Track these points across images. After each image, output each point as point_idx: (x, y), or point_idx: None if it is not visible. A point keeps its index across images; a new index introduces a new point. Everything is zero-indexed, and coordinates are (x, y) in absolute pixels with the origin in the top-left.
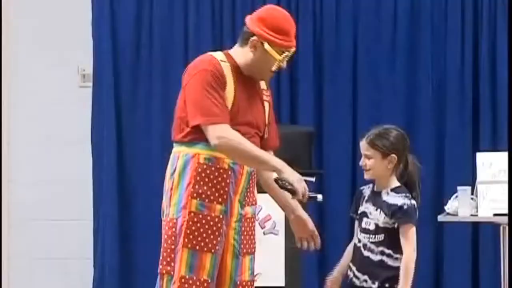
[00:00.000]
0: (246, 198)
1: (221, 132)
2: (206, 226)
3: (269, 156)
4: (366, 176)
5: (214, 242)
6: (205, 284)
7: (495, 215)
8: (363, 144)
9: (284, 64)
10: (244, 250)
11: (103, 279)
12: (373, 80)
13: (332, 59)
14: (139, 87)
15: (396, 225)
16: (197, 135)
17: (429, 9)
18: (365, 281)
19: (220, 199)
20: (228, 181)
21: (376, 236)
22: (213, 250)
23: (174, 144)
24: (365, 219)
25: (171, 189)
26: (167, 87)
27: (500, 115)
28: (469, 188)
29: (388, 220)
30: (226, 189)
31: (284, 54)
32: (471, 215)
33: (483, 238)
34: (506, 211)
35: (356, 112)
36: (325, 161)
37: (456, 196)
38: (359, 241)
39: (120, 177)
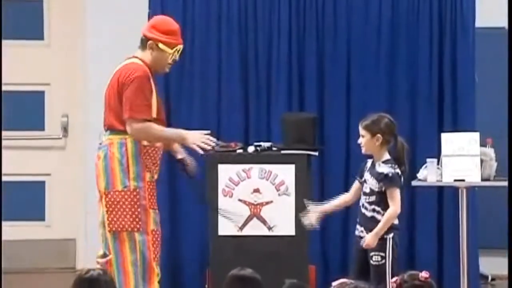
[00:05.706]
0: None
1: (137, 126)
2: (154, 191)
3: (172, 133)
4: (362, 151)
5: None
6: (159, 232)
7: (455, 180)
8: (360, 127)
9: (177, 57)
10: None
11: None
12: (362, 80)
13: (331, 62)
14: (184, 84)
15: (383, 189)
16: None
17: (404, 23)
18: (362, 231)
19: (154, 170)
20: (160, 156)
21: (370, 197)
22: (155, 207)
23: (116, 132)
24: (365, 185)
25: (127, 165)
26: (205, 86)
27: (460, 105)
28: (435, 160)
29: (377, 185)
30: (159, 162)
31: (175, 49)
32: (437, 180)
33: (446, 199)
34: (464, 177)
35: (350, 105)
36: (325, 139)
37: (426, 166)
38: (361, 201)
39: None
